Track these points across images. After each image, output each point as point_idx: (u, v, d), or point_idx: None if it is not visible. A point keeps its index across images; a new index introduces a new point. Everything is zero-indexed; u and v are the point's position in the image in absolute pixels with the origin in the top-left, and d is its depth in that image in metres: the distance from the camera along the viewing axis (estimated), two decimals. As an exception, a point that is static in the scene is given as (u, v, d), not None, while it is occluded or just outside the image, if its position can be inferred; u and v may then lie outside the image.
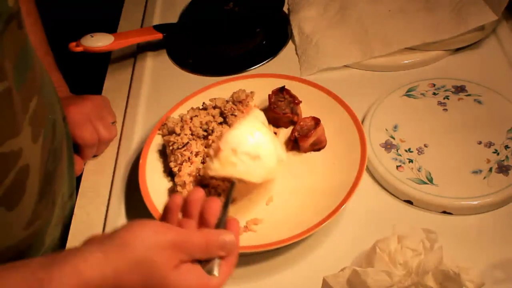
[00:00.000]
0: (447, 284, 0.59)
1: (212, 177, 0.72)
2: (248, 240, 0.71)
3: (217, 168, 0.67)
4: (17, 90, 0.60)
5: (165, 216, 0.56)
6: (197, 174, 0.75)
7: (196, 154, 0.78)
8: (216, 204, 0.56)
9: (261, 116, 0.73)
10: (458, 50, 0.94)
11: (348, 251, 0.70)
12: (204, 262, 0.53)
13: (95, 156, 0.88)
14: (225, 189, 0.74)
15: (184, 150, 0.77)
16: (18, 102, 0.60)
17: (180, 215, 0.56)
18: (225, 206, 0.58)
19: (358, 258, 0.69)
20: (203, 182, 0.75)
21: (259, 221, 0.73)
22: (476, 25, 0.90)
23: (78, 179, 0.85)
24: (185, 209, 0.56)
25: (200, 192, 0.56)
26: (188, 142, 0.78)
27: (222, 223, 0.56)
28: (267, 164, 0.69)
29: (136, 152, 0.86)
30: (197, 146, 0.78)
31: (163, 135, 0.82)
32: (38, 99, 0.65)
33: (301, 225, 0.69)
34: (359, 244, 0.69)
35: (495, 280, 0.66)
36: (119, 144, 0.89)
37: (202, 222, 0.55)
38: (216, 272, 0.52)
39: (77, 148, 0.84)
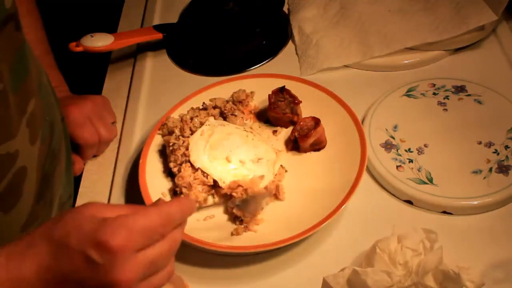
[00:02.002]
0: (447, 284, 0.59)
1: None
2: (248, 240, 0.71)
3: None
4: (13, 93, 0.59)
5: None
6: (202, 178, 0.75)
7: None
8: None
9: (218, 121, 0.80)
10: (458, 50, 0.94)
11: (348, 251, 0.70)
12: None
13: (95, 156, 0.88)
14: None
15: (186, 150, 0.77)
16: (14, 104, 0.59)
17: None
18: None
19: (358, 258, 0.69)
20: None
21: (259, 221, 0.73)
22: (476, 25, 0.90)
23: (78, 179, 0.85)
24: None
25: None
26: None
27: None
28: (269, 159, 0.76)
29: (136, 152, 0.86)
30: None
31: (163, 135, 0.82)
32: (35, 101, 0.65)
33: (301, 225, 0.69)
34: (359, 244, 0.70)
35: (495, 280, 0.66)
36: (119, 144, 0.89)
37: None
38: None
39: (77, 148, 0.84)
